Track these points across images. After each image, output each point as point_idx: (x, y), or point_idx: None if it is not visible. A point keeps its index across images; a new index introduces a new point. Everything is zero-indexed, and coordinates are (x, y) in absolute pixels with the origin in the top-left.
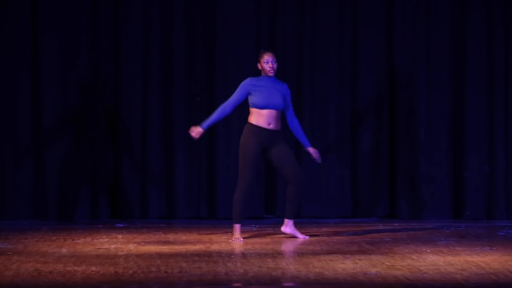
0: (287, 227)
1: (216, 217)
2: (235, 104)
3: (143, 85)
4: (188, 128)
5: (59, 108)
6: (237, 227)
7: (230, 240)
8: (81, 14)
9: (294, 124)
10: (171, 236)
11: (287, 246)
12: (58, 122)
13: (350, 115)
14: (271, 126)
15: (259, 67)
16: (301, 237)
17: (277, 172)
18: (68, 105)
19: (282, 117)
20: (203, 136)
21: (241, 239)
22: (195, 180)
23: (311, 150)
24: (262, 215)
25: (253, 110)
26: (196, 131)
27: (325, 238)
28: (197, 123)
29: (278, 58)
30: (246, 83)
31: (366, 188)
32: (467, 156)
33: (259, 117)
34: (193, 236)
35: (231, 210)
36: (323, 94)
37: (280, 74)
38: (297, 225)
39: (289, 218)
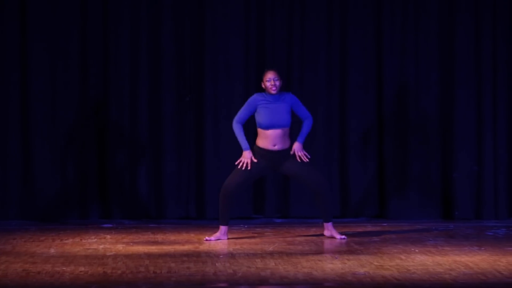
0: (326, 230)
1: (205, 217)
2: (244, 119)
3: (132, 86)
4: (178, 128)
5: (47, 109)
6: (220, 228)
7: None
8: (70, 15)
9: (304, 122)
10: (159, 237)
11: (276, 246)
12: (47, 123)
13: (339, 115)
14: (277, 147)
15: (263, 86)
16: (338, 237)
17: (299, 183)
18: (56, 106)
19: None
20: (191, 136)
21: (212, 238)
22: (184, 181)
23: (295, 145)
24: (251, 215)
25: (259, 131)
26: (248, 157)
27: (314, 238)
28: (186, 123)
29: (266, 59)
30: (253, 99)
31: (355, 188)
32: (456, 156)
33: (265, 139)
34: (182, 236)
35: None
36: (312, 94)
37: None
38: (285, 225)
39: (326, 221)
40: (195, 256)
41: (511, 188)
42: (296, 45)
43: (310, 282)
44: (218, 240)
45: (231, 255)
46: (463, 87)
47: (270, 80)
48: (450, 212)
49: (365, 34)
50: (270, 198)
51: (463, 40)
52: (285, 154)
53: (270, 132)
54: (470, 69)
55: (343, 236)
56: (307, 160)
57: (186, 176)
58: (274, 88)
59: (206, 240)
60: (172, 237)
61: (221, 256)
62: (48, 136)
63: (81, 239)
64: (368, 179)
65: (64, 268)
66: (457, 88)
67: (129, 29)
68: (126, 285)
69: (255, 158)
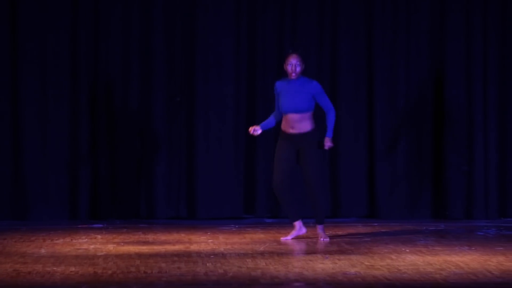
0: (317, 230)
1: (195, 217)
2: (277, 108)
3: (123, 85)
4: (169, 127)
5: (38, 110)
6: (294, 224)
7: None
8: (61, 14)
9: (328, 116)
10: (150, 236)
11: (266, 247)
12: (38, 123)
13: None
14: (294, 130)
15: (285, 68)
16: (320, 239)
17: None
18: (47, 107)
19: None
20: (182, 136)
21: (287, 237)
22: (174, 180)
23: (325, 139)
24: (242, 215)
25: (282, 114)
26: (253, 129)
27: (304, 238)
28: (177, 122)
29: (257, 59)
30: (275, 87)
31: (346, 189)
32: (447, 156)
33: (284, 122)
34: (173, 236)
35: (215, 210)
36: None
37: (260, 74)
38: (276, 226)
39: (317, 223)
40: (186, 256)
41: (501, 188)
42: (287, 45)
43: (301, 282)
44: (297, 237)
45: (222, 255)
46: (454, 87)
47: (291, 65)
48: (441, 212)
49: (356, 34)
50: (261, 198)
51: (454, 40)
52: (304, 138)
53: (289, 116)
54: (461, 68)
55: (326, 239)
56: (329, 146)
57: (177, 176)
58: (294, 74)
59: (283, 240)
60: (162, 237)
61: (211, 256)
62: (39, 136)
63: (71, 239)
64: (359, 179)
65: (54, 268)
66: (448, 88)
67: (120, 29)
68: (117, 285)
69: (279, 140)
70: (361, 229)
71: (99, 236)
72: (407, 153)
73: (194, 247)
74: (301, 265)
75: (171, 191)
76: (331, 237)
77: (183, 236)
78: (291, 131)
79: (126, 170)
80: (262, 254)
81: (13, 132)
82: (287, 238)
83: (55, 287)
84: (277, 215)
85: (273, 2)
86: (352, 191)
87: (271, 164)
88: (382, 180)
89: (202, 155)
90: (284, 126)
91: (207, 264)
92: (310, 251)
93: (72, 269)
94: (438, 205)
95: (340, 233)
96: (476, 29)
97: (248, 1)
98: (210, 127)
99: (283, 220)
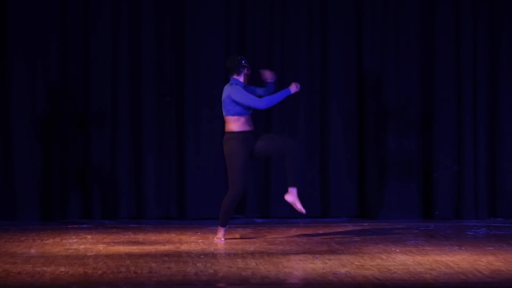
0: (289, 195)
1: (185, 217)
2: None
3: (112, 86)
4: (158, 127)
5: (27, 110)
6: (221, 229)
7: (214, 240)
8: (50, 15)
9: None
10: (140, 237)
11: (257, 246)
12: (27, 125)
13: (320, 115)
14: (252, 127)
15: (245, 73)
16: (298, 208)
17: (271, 157)
18: (37, 107)
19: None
20: (172, 136)
21: (223, 239)
22: (164, 180)
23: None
24: (232, 215)
25: (237, 118)
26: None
27: (295, 238)
28: (167, 123)
29: (248, 59)
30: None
31: (336, 188)
32: (436, 156)
33: (244, 122)
34: (163, 237)
35: (205, 210)
36: (293, 94)
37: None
38: (266, 225)
39: (290, 186)
40: (176, 256)
41: (491, 188)
42: (277, 45)
43: (291, 282)
44: (217, 239)
45: (212, 255)
46: (444, 86)
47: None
48: (431, 212)
49: (345, 34)
50: (251, 198)
51: (443, 40)
52: (255, 133)
53: (249, 115)
54: (450, 68)
55: (303, 210)
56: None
57: (167, 176)
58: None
59: (221, 240)
60: (153, 237)
61: (202, 256)
62: (28, 137)
63: (61, 239)
64: (349, 179)
65: (44, 269)
66: (438, 87)
67: (109, 29)
68: (107, 285)
69: (237, 144)
70: (351, 228)
71: (89, 236)
72: (397, 153)
73: (184, 247)
74: (292, 265)
75: (161, 191)
76: (321, 237)
77: (173, 236)
78: (250, 128)
79: (116, 170)
80: (252, 254)
81: (2, 133)
82: (222, 239)
83: (45, 287)
84: (267, 215)
85: (262, 2)
86: (342, 191)
87: (260, 164)
88: (372, 180)
89: (192, 155)
90: (243, 127)
91: (197, 264)
92: (301, 251)
93: (62, 269)
94: (428, 205)
95: (330, 233)
96: (466, 28)
97: (238, 2)
98: (200, 127)
99: (274, 220)
